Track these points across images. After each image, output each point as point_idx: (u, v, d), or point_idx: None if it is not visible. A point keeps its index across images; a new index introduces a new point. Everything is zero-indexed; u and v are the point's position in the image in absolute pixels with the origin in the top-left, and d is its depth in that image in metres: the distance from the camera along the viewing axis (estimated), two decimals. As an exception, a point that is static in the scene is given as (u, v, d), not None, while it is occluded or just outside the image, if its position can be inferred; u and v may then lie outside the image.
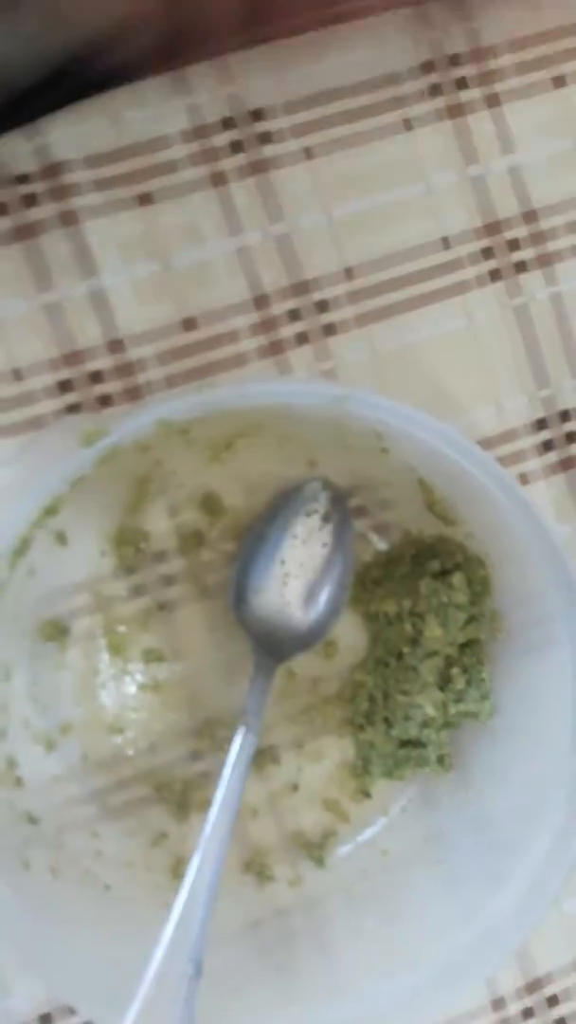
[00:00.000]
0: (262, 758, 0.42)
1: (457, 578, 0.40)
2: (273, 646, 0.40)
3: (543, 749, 0.39)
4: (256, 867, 0.41)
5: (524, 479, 0.42)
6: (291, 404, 0.35)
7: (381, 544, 0.43)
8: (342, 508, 0.41)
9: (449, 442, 0.36)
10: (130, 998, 0.33)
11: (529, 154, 0.43)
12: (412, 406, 0.36)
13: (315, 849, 0.42)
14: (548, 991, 0.44)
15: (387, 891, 0.41)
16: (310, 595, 0.41)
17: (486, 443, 0.43)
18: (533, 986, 0.43)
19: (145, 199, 0.40)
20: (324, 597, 0.41)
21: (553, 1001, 0.43)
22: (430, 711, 0.40)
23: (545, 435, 0.43)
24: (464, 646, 0.41)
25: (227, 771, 0.37)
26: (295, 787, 0.42)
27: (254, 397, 0.33)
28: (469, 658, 0.41)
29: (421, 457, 0.37)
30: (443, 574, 0.41)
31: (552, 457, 0.43)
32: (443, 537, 0.41)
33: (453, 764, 0.42)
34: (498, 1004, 0.43)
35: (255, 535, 0.41)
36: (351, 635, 0.42)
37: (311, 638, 0.41)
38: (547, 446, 0.43)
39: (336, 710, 0.42)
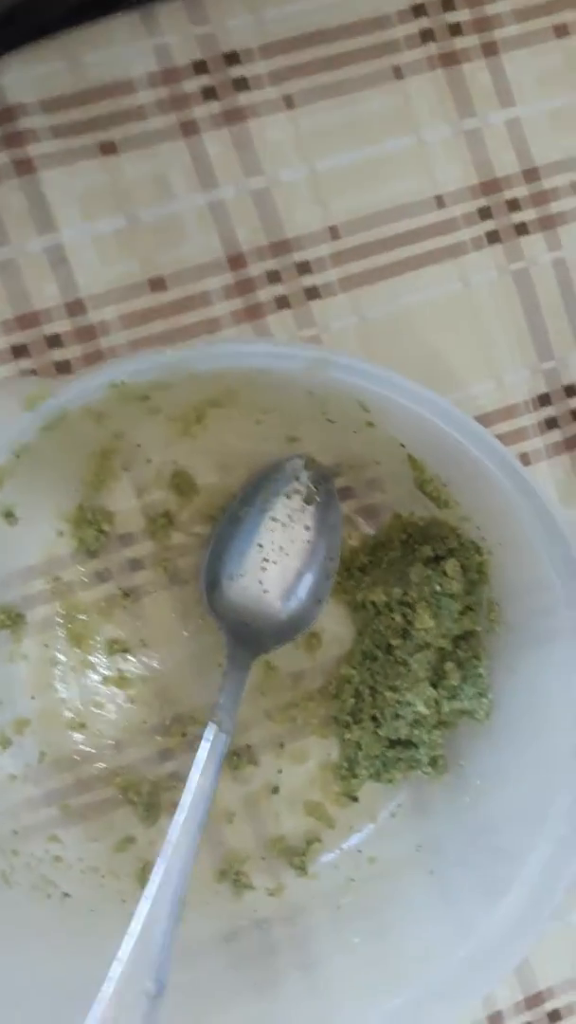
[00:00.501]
0: (238, 758, 0.39)
1: (450, 565, 0.37)
2: (249, 637, 0.37)
3: (546, 751, 0.35)
4: (232, 875, 0.38)
5: (525, 459, 0.40)
6: (267, 370, 0.32)
7: (369, 528, 0.39)
8: (327, 488, 0.38)
9: (441, 414, 0.33)
10: (84, 1020, 0.30)
11: (529, 108, 0.40)
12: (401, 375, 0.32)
13: (297, 856, 0.39)
14: (549, 1006, 0.41)
15: (376, 903, 0.38)
16: (291, 582, 0.38)
17: (484, 419, 0.39)
18: (533, 1001, 0.40)
19: (108, 148, 0.36)
20: (306, 585, 0.38)
21: (555, 1016, 0.40)
22: (421, 708, 0.37)
23: (548, 412, 0.40)
24: (459, 639, 0.38)
25: (195, 771, 0.34)
26: (275, 790, 0.39)
27: (218, 359, 0.30)
28: (465, 652, 0.38)
29: (411, 431, 0.34)
30: (436, 560, 0.38)
31: (556, 436, 0.40)
32: (436, 520, 0.38)
33: (448, 767, 0.39)
34: (495, 1019, 0.40)
35: (230, 517, 0.38)
36: (336, 626, 0.39)
37: (291, 629, 0.38)
38: (550, 424, 0.40)
39: (319, 707, 0.39)
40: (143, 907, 0.32)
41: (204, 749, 0.34)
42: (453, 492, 0.36)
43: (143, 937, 0.31)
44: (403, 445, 0.35)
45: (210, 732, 0.34)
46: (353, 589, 0.39)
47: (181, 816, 0.33)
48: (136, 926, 0.32)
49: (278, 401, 0.35)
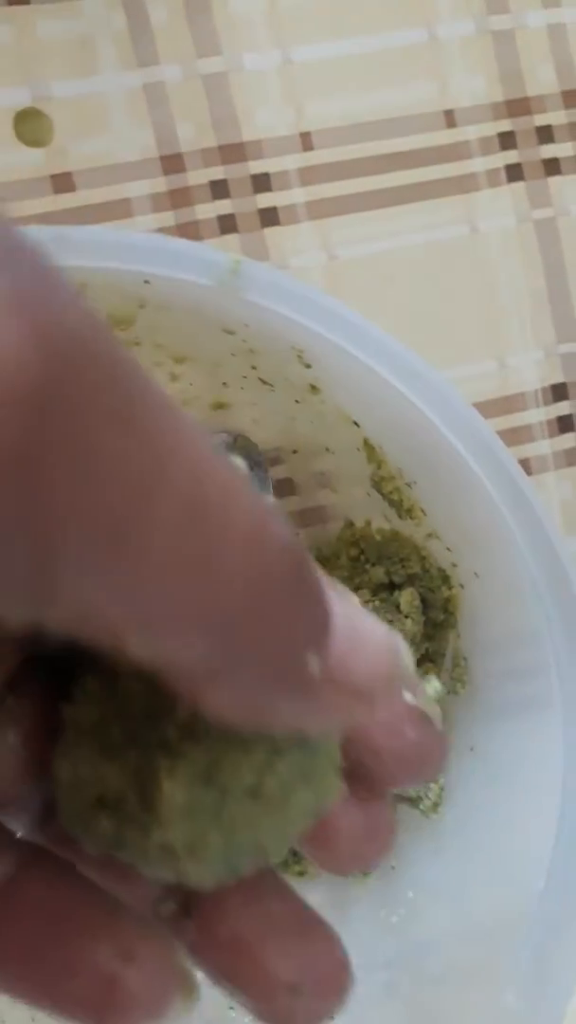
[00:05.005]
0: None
1: (406, 596, 0.27)
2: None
3: (508, 870, 0.26)
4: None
5: (526, 467, 0.33)
6: (160, 282, 0.22)
7: (312, 538, 0.31)
8: (258, 477, 0.29)
9: (408, 377, 0.23)
10: None
11: (580, 14, 0.32)
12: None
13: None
14: None
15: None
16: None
17: (478, 410, 0.30)
18: None
19: (13, -6, 0.27)
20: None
21: None
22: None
23: (562, 408, 0.33)
24: (410, 697, 0.28)
25: None
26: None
27: (82, 252, 0.20)
28: (415, 715, 0.28)
29: (366, 402, 0.25)
30: (390, 588, 0.28)
31: (568, 441, 0.33)
32: (398, 536, 0.29)
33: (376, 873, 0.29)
34: None
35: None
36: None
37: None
38: (564, 424, 0.33)
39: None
40: None
41: None
42: (420, 497, 0.27)
43: None
44: (357, 424, 0.26)
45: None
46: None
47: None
48: None
49: (191, 343, 0.26)
